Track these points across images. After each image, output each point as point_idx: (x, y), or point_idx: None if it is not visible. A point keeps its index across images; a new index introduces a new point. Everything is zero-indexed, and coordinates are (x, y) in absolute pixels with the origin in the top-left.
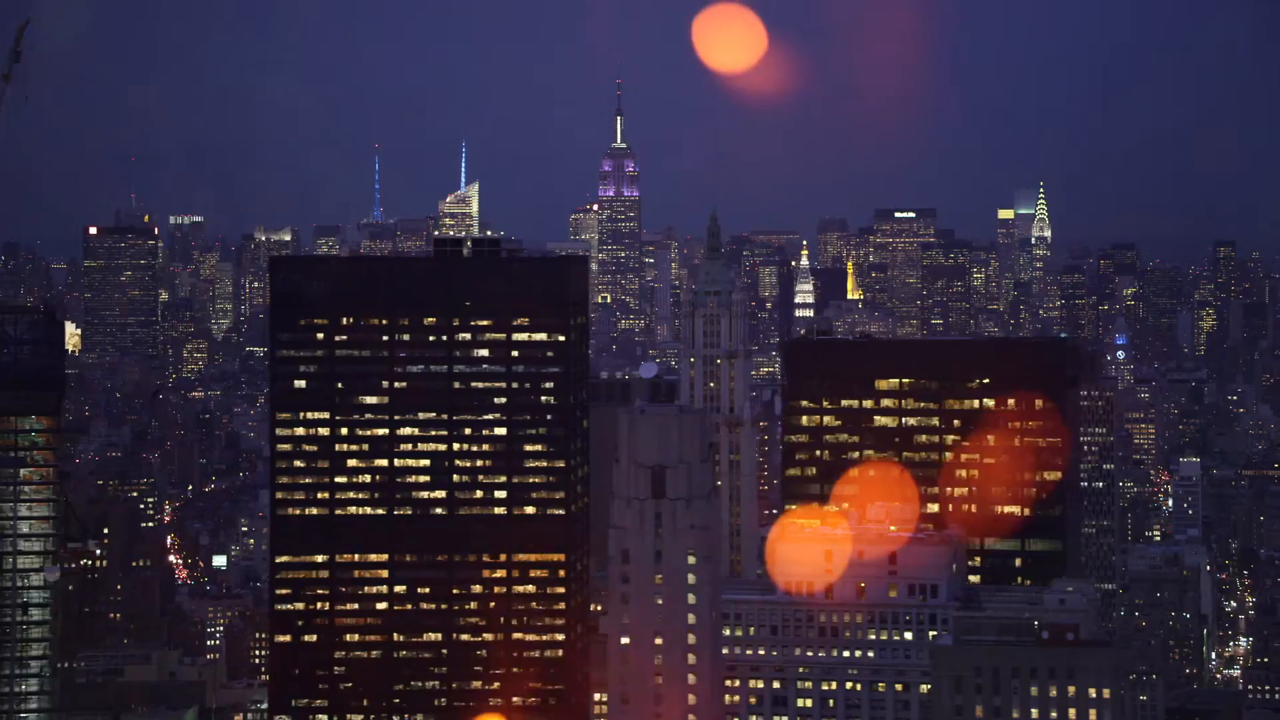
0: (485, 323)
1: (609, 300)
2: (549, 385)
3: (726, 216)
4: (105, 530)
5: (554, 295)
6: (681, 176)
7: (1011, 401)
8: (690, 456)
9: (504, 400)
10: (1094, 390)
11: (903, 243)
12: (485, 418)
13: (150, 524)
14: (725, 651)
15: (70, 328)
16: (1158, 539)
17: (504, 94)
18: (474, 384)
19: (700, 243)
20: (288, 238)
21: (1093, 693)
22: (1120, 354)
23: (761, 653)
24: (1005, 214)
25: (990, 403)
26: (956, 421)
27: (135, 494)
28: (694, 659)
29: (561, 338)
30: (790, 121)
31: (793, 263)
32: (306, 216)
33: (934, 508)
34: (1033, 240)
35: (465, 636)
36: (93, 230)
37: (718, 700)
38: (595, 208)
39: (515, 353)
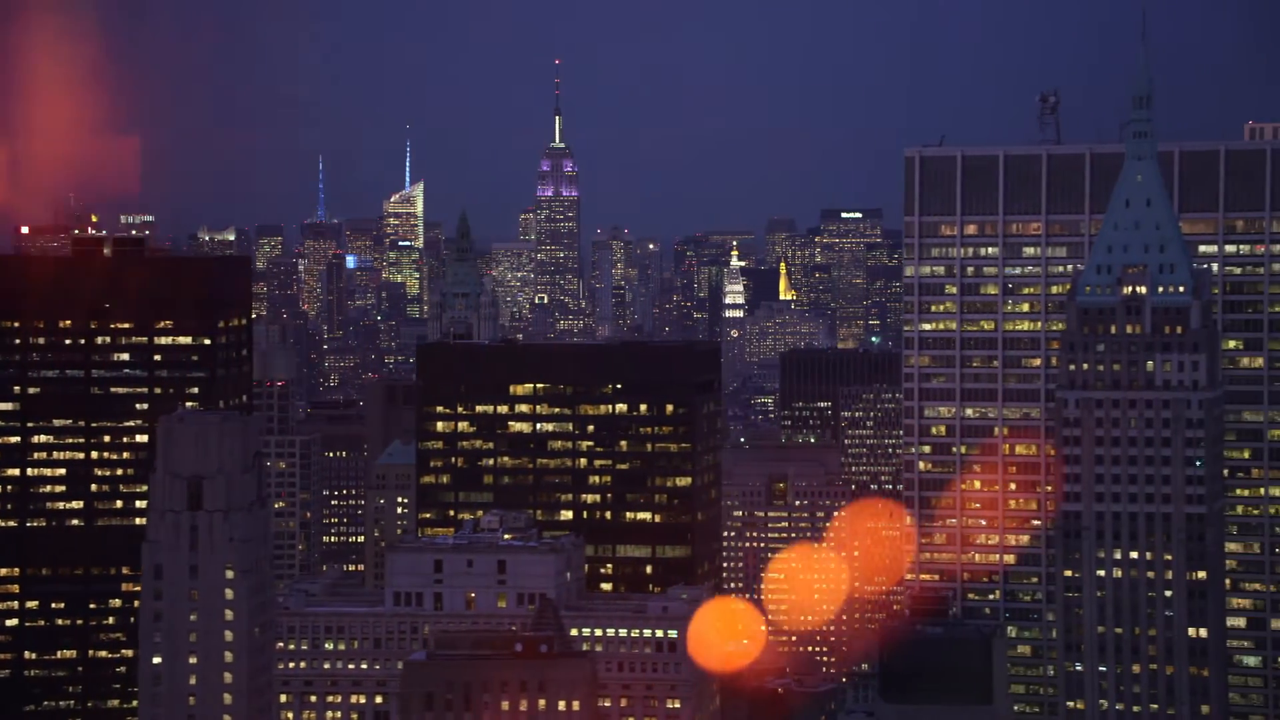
0: (126, 325)
1: (546, 301)
2: (194, 390)
3: (685, 217)
4: None
5: (200, 297)
6: (631, 176)
7: (644, 407)
8: (231, 466)
9: (146, 406)
10: (896, 394)
11: (848, 243)
12: (126, 424)
13: None
14: (326, 667)
15: None
16: None
17: (452, 93)
18: (114, 389)
19: (643, 242)
20: (232, 237)
21: (562, 705)
22: None
23: (364, 666)
24: None
25: (623, 408)
26: (590, 427)
27: None
28: (230, 678)
29: (208, 341)
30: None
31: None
32: (251, 217)
33: (568, 515)
34: None
35: (103, 654)
36: (24, 230)
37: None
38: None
39: (158, 356)
